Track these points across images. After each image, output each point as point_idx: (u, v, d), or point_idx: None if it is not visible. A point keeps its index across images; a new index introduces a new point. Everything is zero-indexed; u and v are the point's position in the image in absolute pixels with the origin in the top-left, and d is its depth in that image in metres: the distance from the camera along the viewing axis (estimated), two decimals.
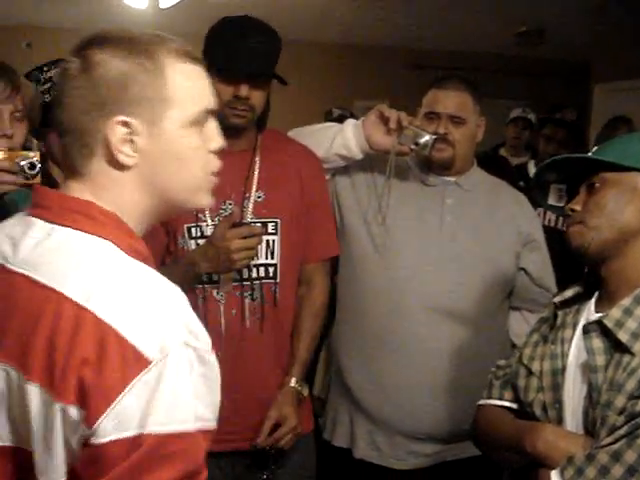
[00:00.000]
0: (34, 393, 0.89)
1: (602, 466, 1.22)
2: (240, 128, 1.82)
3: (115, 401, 0.86)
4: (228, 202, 1.82)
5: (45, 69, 2.07)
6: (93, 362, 0.87)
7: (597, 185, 1.37)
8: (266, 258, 1.84)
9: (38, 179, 1.58)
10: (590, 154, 1.43)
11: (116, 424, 0.86)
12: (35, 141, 2.09)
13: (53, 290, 0.91)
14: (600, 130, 3.92)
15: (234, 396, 1.80)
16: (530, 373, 1.43)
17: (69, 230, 0.97)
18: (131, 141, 0.97)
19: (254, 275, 1.83)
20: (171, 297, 0.93)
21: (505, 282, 2.06)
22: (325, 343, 2.29)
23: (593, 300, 1.41)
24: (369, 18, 5.82)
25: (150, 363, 0.86)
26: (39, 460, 0.90)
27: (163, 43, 0.99)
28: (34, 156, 1.56)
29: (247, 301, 1.83)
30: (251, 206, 1.84)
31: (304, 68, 6.54)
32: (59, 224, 0.97)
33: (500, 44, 6.45)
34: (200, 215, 1.81)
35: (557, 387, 1.37)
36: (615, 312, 1.31)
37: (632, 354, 1.27)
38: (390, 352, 1.99)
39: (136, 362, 0.86)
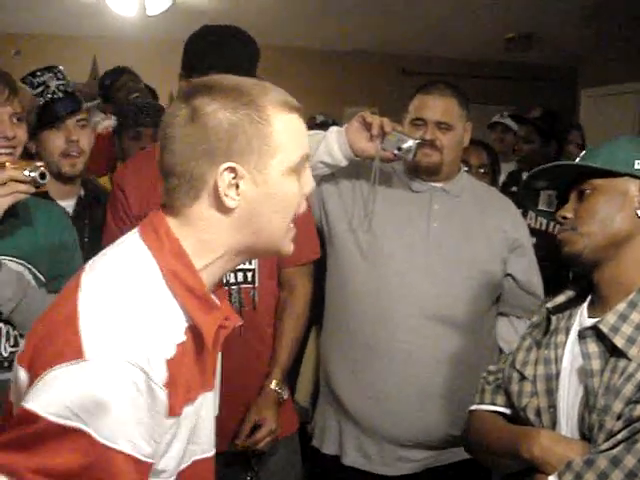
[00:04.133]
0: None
1: (601, 471, 1.22)
2: None
3: (42, 375, 0.95)
4: None
5: (38, 74, 2.10)
6: (47, 336, 0.99)
7: (587, 192, 1.37)
8: (244, 263, 1.84)
9: (45, 186, 1.65)
10: (578, 160, 1.44)
11: (33, 395, 0.95)
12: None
13: (80, 275, 1.05)
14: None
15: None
16: (523, 378, 1.43)
17: (138, 238, 1.07)
18: (236, 185, 1.04)
19: (232, 280, 1.84)
20: (150, 325, 0.99)
21: (492, 288, 2.06)
22: (306, 350, 2.28)
23: (585, 305, 1.41)
24: (359, 25, 5.84)
25: (83, 359, 0.94)
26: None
27: (268, 94, 1.06)
28: (42, 165, 1.62)
29: None
30: None
31: (293, 75, 6.55)
32: (140, 234, 1.08)
33: (489, 50, 6.49)
34: None
35: (551, 392, 1.37)
36: (610, 317, 1.31)
37: (628, 359, 1.27)
38: (378, 359, 1.99)
39: (73, 352, 0.95)
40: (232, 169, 1.03)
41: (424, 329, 1.97)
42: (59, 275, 1.74)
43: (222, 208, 1.04)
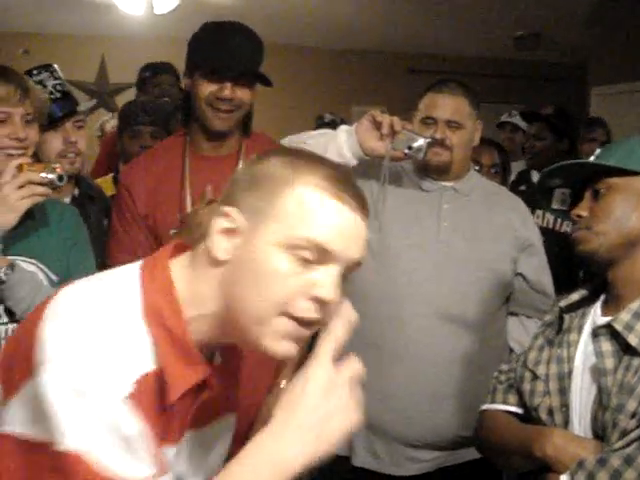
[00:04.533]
0: None
1: (614, 470, 1.21)
2: (224, 133, 1.84)
3: (8, 400, 0.90)
4: None
5: (34, 72, 2.10)
6: (12, 352, 0.93)
7: (603, 191, 1.37)
8: None
9: (62, 188, 1.67)
10: (593, 158, 1.43)
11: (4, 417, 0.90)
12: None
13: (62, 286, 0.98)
14: (578, 129, 3.95)
15: None
16: (535, 377, 1.43)
17: (137, 265, 0.97)
18: (229, 237, 0.92)
19: None
20: (107, 355, 0.87)
21: (503, 287, 2.06)
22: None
23: (599, 303, 1.41)
24: (367, 23, 5.84)
25: (31, 377, 0.87)
26: None
27: (315, 171, 0.92)
28: (58, 167, 1.63)
29: None
30: None
31: (301, 73, 6.55)
32: (141, 264, 0.99)
33: (497, 48, 6.48)
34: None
35: (564, 391, 1.37)
36: (624, 315, 1.31)
37: None
38: (388, 358, 1.98)
39: (28, 368, 0.87)
40: (227, 214, 0.92)
41: (434, 329, 1.97)
42: (71, 275, 1.74)
43: (211, 257, 0.93)
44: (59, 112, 2.08)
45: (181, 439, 0.99)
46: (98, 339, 0.88)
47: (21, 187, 1.57)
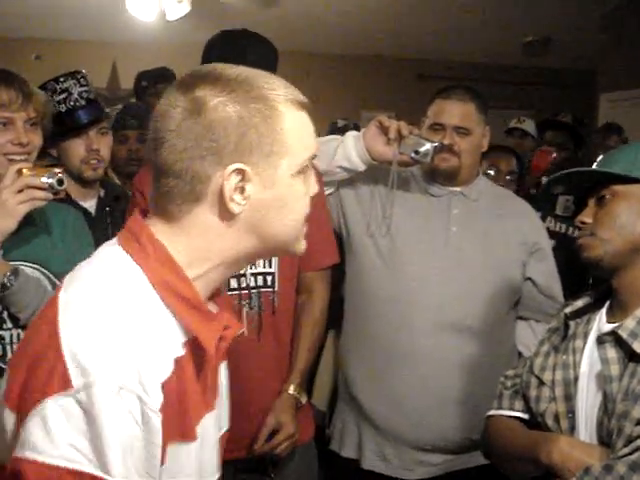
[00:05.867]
0: None
1: (620, 477, 1.21)
2: None
3: (30, 413, 0.84)
4: None
5: (61, 80, 2.11)
6: (30, 368, 0.87)
7: (607, 197, 1.37)
8: (264, 267, 1.85)
9: (63, 192, 1.64)
10: (596, 165, 1.44)
11: (24, 440, 0.84)
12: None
13: (57, 295, 0.94)
14: (592, 136, 3.92)
15: (232, 404, 1.80)
16: (541, 383, 1.43)
17: (117, 248, 0.97)
18: (242, 189, 0.94)
19: (252, 284, 1.84)
20: (139, 340, 0.88)
21: (512, 292, 2.06)
22: (323, 354, 2.29)
23: (604, 310, 1.41)
24: (376, 29, 5.85)
25: (71, 389, 0.84)
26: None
27: (277, 89, 0.96)
28: (60, 172, 1.61)
29: (245, 310, 1.83)
30: None
31: (311, 79, 6.56)
32: (118, 242, 0.98)
33: (506, 54, 6.46)
34: None
35: (570, 397, 1.37)
36: (629, 322, 1.31)
37: None
38: (398, 363, 1.99)
39: (60, 382, 0.84)
40: (240, 171, 0.93)
41: (443, 333, 1.97)
42: None
43: (224, 214, 0.94)
44: (84, 119, 2.09)
45: (214, 403, 1.05)
46: (126, 332, 0.88)
47: (20, 191, 1.55)
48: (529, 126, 4.14)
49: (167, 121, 0.94)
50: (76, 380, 0.84)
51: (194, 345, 0.95)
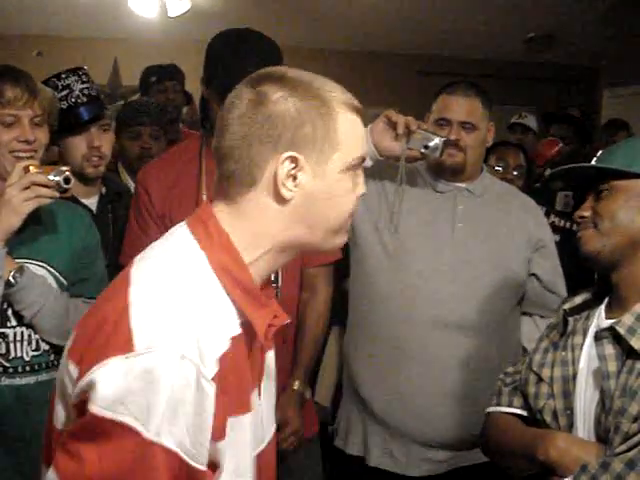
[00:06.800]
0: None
1: (617, 474, 1.21)
2: None
3: (92, 368, 0.93)
4: None
5: (63, 76, 2.10)
6: (97, 330, 0.96)
7: (605, 192, 1.37)
8: None
9: (71, 191, 1.64)
10: (595, 160, 1.43)
11: (83, 388, 0.93)
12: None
13: (129, 270, 1.04)
14: (599, 132, 3.90)
15: None
16: (540, 380, 1.43)
17: (186, 231, 1.05)
18: (294, 177, 1.02)
19: None
20: (201, 316, 0.97)
21: (516, 288, 2.06)
22: (326, 350, 2.28)
23: (603, 306, 1.41)
24: (378, 25, 5.84)
25: (133, 351, 0.92)
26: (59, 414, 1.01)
27: (334, 91, 1.06)
28: (66, 170, 1.61)
29: None
30: None
31: None
32: (188, 227, 1.07)
33: (509, 50, 6.45)
34: None
35: (568, 394, 1.37)
36: (627, 319, 1.31)
37: None
38: (404, 359, 1.99)
39: (123, 343, 0.92)
40: (294, 159, 1.01)
41: (449, 330, 1.97)
42: (81, 279, 1.74)
43: (277, 198, 1.02)
44: (85, 116, 2.08)
45: (259, 385, 1.12)
46: (189, 309, 0.96)
47: (26, 189, 1.55)
48: (531, 121, 4.13)
49: (232, 110, 1.03)
50: (140, 345, 0.92)
51: (248, 327, 1.03)
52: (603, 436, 1.29)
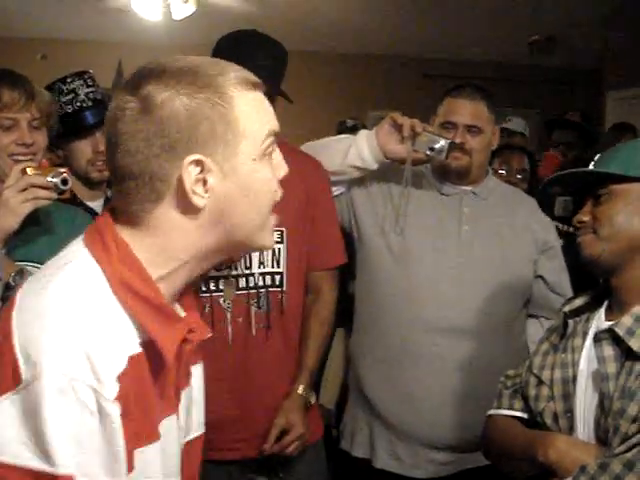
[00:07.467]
0: None
1: (615, 475, 1.21)
2: None
3: None
4: None
5: (68, 80, 2.09)
6: None
7: (604, 197, 1.37)
8: (272, 267, 1.85)
9: (69, 192, 1.63)
10: (593, 164, 1.43)
11: None
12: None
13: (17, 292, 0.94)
14: (605, 135, 3.88)
15: (241, 404, 1.80)
16: (540, 382, 1.43)
17: (81, 246, 0.95)
18: (204, 181, 0.92)
19: (260, 283, 1.84)
20: (90, 333, 0.86)
21: (522, 290, 2.06)
22: (331, 353, 2.28)
23: (603, 309, 1.41)
24: (381, 28, 5.85)
25: (21, 385, 0.84)
26: None
27: (225, 73, 0.93)
28: (64, 171, 1.60)
29: (253, 309, 1.84)
30: None
31: (317, 78, 6.57)
32: (82, 239, 0.97)
33: (512, 53, 6.46)
34: None
35: (568, 396, 1.37)
36: (626, 320, 1.31)
37: None
38: (410, 361, 1.99)
39: (13, 379, 0.84)
40: (198, 162, 0.90)
41: (455, 332, 1.97)
42: None
43: (189, 209, 0.92)
44: (90, 120, 2.08)
45: (179, 404, 1.02)
46: (81, 333, 0.86)
47: (23, 190, 1.54)
48: (516, 125, 4.06)
49: (118, 125, 0.92)
50: (25, 374, 0.84)
51: (150, 346, 0.93)
52: (603, 438, 1.30)
